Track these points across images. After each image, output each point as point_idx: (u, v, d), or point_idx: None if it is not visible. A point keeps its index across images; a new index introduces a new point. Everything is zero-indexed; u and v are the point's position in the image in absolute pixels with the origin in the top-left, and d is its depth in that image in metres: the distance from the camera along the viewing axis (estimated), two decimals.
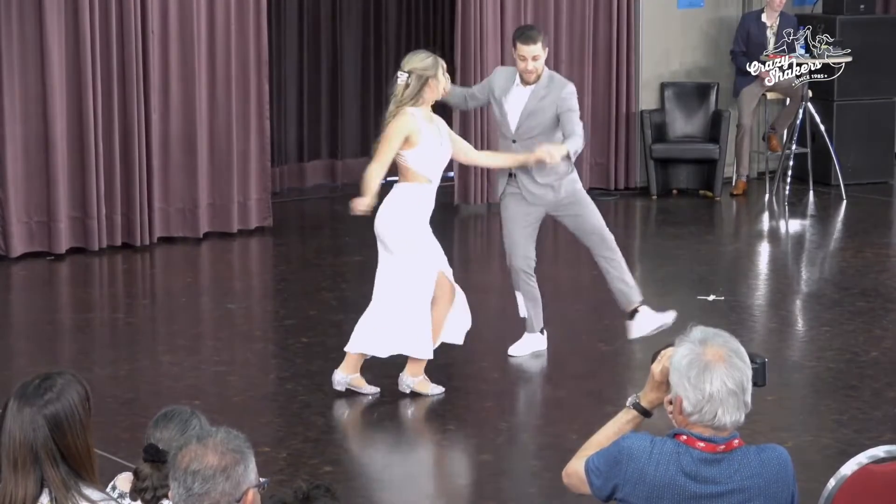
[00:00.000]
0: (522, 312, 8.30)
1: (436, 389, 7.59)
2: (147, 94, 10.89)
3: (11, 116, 10.44)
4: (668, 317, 8.23)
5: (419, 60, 7.50)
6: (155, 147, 10.98)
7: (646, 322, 8.26)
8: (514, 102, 8.10)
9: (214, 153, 11.32)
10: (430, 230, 7.60)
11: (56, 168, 10.56)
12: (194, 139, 11.15)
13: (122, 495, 4.14)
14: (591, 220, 8.19)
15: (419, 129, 7.44)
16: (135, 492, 4.08)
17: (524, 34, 8.16)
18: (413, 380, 7.58)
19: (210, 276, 10.73)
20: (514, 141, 8.08)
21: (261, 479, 3.39)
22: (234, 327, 9.12)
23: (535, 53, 8.00)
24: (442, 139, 7.54)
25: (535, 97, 8.02)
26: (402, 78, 7.48)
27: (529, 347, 8.29)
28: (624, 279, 8.25)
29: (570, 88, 8.07)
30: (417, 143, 7.44)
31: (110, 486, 4.19)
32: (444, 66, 7.54)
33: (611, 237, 8.23)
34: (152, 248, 10.93)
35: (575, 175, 8.20)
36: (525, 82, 8.05)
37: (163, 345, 8.68)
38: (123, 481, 4.18)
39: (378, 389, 7.56)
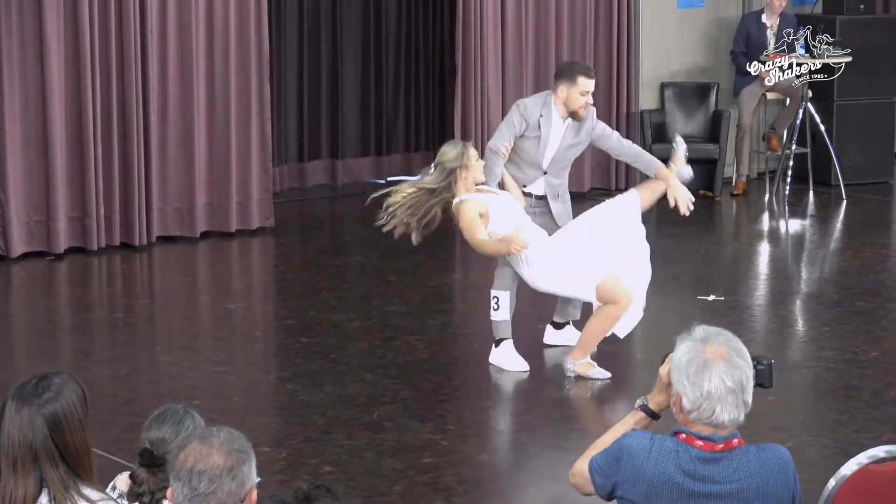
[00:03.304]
0: (507, 315, 8.05)
1: (600, 374, 7.84)
2: (146, 94, 10.89)
3: (11, 116, 10.44)
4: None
5: (445, 153, 7.77)
6: (154, 147, 10.98)
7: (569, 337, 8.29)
8: (554, 135, 8.10)
9: (214, 153, 11.31)
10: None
11: (55, 168, 10.56)
12: (193, 139, 11.15)
13: (121, 495, 4.14)
14: None
15: (486, 207, 7.68)
16: (132, 495, 4.07)
17: (588, 70, 8.24)
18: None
19: (210, 276, 10.73)
20: (545, 172, 8.14)
21: (256, 478, 3.40)
22: (234, 327, 9.12)
23: (592, 89, 8.07)
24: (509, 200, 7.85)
25: (573, 129, 8.10)
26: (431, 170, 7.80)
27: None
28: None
29: (593, 111, 8.19)
30: (490, 219, 7.66)
31: (110, 486, 4.18)
32: (475, 153, 7.77)
33: None
34: (151, 248, 10.92)
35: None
36: (575, 117, 8.06)
37: (162, 345, 8.68)
38: (123, 481, 4.18)
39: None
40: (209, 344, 8.70)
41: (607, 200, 8.10)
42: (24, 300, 9.84)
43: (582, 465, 3.85)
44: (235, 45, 11.28)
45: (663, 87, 13.21)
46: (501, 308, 8.00)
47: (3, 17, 10.36)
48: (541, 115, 8.04)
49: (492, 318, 8.04)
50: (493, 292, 8.03)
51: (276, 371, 8.21)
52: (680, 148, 8.19)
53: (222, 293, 9.92)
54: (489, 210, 7.66)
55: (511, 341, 8.02)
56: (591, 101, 8.10)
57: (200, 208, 11.23)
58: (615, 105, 12.99)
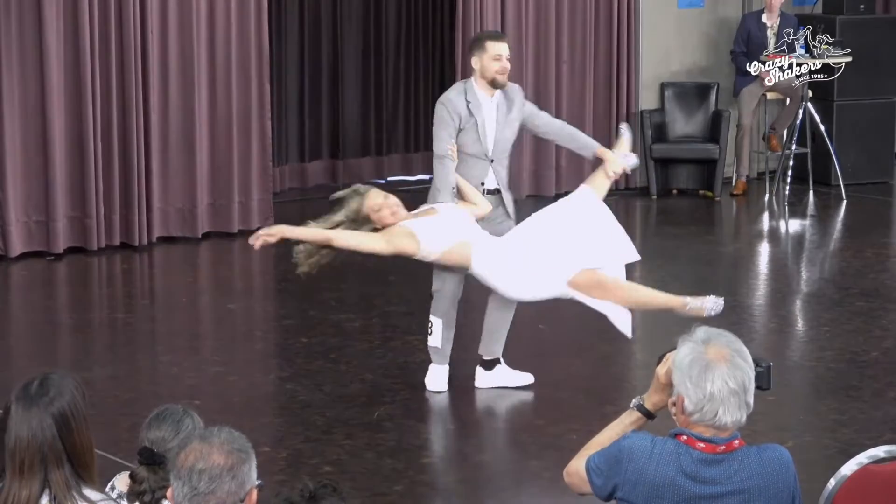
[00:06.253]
0: (438, 342, 7.76)
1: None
2: (146, 94, 10.89)
3: (10, 116, 10.44)
4: (526, 378, 7.77)
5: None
6: (154, 147, 10.98)
7: (502, 377, 7.79)
8: (489, 116, 7.68)
9: (214, 153, 11.32)
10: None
11: (55, 167, 10.56)
12: (194, 139, 11.15)
13: (120, 496, 4.14)
14: None
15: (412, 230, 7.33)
16: (132, 495, 4.07)
17: (495, 33, 8.10)
18: None
19: (210, 276, 10.73)
20: (492, 160, 7.68)
21: (256, 479, 3.40)
22: (235, 327, 9.12)
23: (507, 52, 7.70)
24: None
25: (504, 107, 7.69)
26: None
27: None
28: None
29: (520, 89, 7.86)
30: (419, 241, 7.32)
31: (109, 486, 4.18)
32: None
33: None
34: (151, 248, 10.92)
35: None
36: (496, 84, 7.64)
37: (162, 345, 8.68)
38: (122, 481, 4.18)
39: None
40: (209, 344, 8.71)
41: (559, 200, 7.62)
42: (24, 300, 9.84)
43: (578, 465, 3.84)
44: (236, 46, 11.28)
45: (663, 87, 13.21)
46: (434, 334, 7.68)
47: (3, 17, 10.36)
48: (468, 102, 7.62)
49: (428, 343, 7.76)
50: (431, 317, 7.74)
51: (276, 371, 8.20)
52: (625, 135, 7.85)
53: (223, 293, 9.92)
54: (416, 234, 7.27)
55: (445, 367, 7.74)
56: (508, 66, 7.70)
57: (202, 209, 11.23)
58: (615, 105, 12.98)
